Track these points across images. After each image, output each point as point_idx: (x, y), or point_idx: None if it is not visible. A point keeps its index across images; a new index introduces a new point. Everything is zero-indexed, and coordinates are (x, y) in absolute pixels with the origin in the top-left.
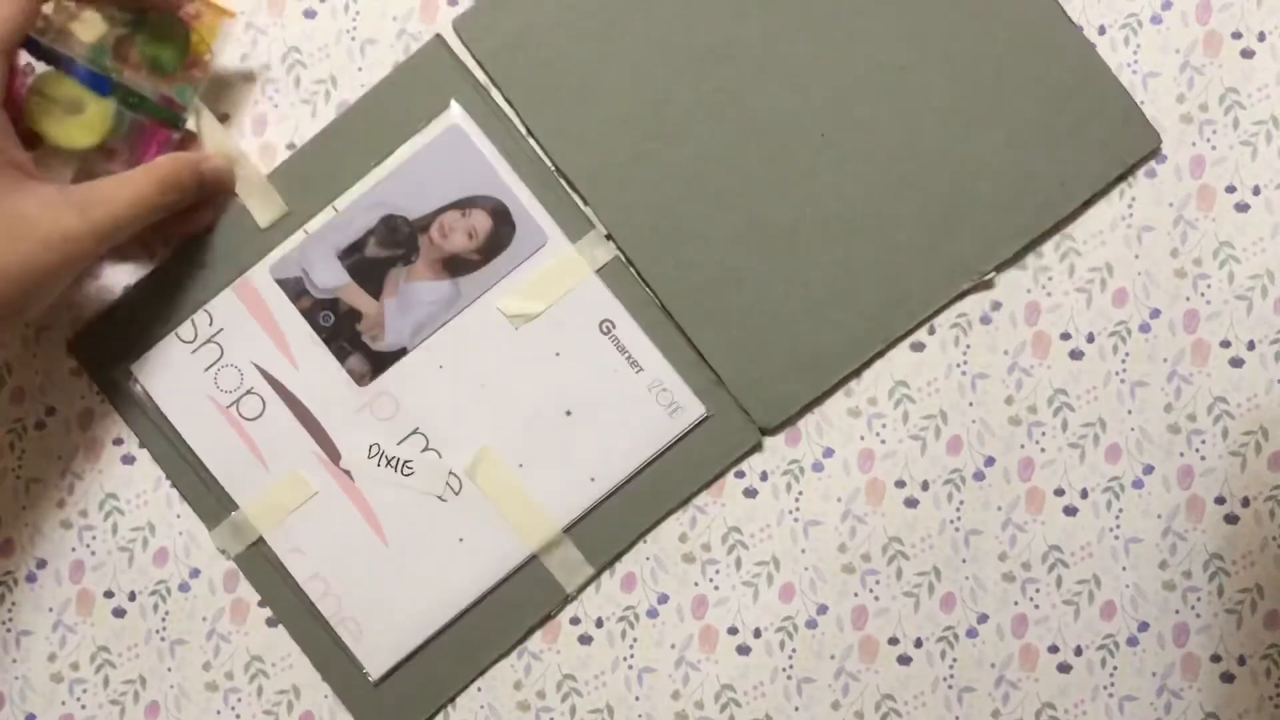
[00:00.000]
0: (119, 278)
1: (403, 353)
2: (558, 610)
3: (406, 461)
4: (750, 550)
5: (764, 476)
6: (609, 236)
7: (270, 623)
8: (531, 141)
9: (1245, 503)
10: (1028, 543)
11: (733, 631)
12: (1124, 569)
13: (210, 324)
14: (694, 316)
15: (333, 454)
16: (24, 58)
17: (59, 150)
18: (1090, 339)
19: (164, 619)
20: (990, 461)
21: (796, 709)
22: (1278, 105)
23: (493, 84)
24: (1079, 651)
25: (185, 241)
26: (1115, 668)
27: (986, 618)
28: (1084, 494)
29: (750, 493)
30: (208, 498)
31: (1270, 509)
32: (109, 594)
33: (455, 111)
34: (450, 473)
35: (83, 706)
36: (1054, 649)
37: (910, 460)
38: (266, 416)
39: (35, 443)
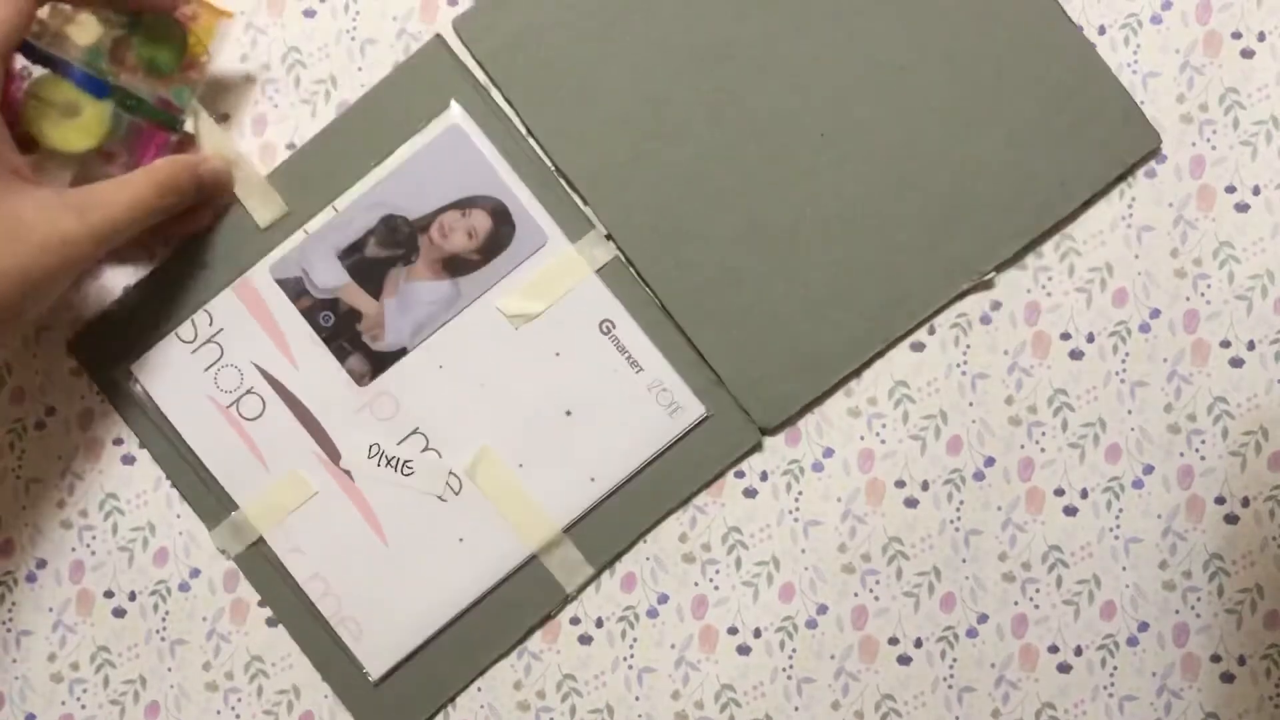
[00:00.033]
0: (119, 278)
1: (403, 353)
2: (558, 610)
3: (406, 461)
4: (750, 550)
5: (764, 476)
6: (609, 236)
7: (270, 623)
8: (531, 141)
9: (1245, 503)
10: (1028, 543)
11: (733, 631)
12: (1124, 569)
13: (210, 324)
14: (694, 316)
15: (333, 454)
16: (20, 61)
17: (56, 154)
18: (1090, 339)
19: (164, 619)
20: (990, 461)
21: (796, 709)
22: (1278, 105)
23: (493, 84)
24: (1079, 651)
25: (185, 242)
26: (1115, 668)
27: (986, 618)
28: (1084, 494)
29: (750, 493)
30: (208, 498)
31: (1270, 509)
32: (109, 594)
33: (455, 111)
34: (450, 473)
35: (83, 706)
36: (1054, 649)
37: (910, 460)
38: (266, 416)
39: (35, 443)
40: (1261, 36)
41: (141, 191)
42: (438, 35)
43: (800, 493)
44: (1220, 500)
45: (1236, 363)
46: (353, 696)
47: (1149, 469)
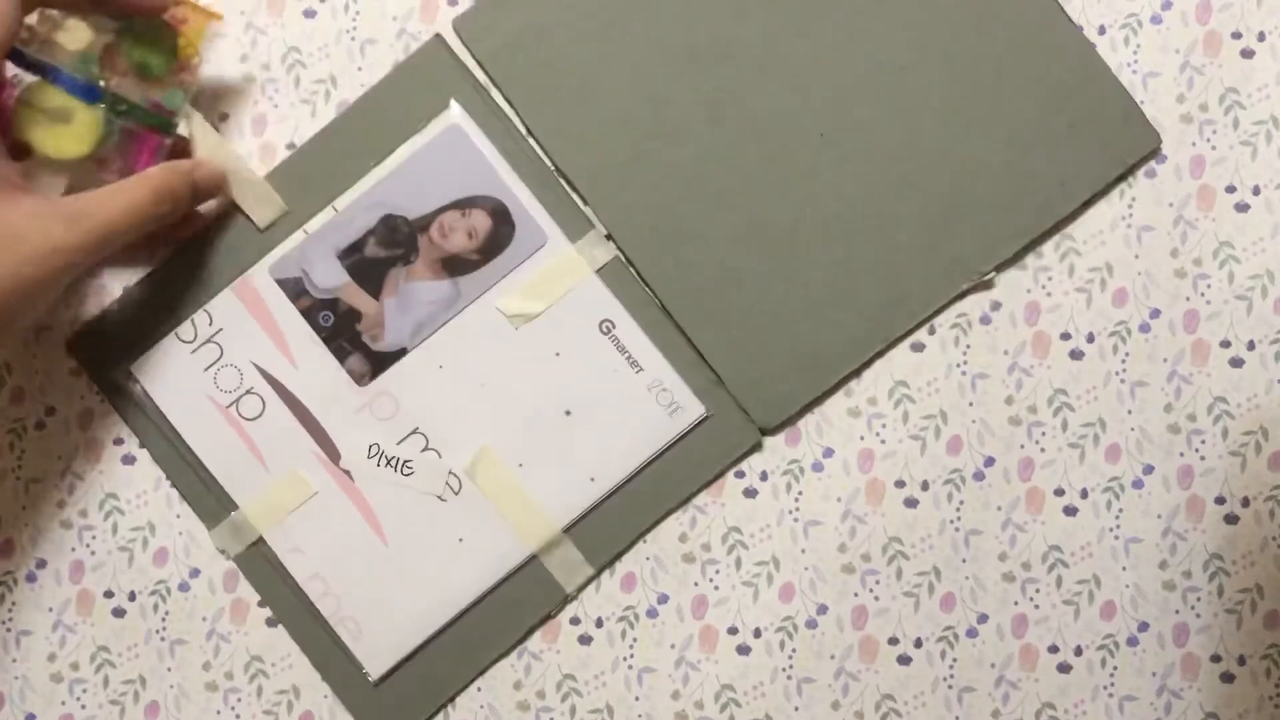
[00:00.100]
0: (119, 278)
1: (402, 353)
2: (557, 610)
3: (406, 461)
4: (750, 550)
5: (764, 476)
6: (609, 236)
7: (270, 623)
8: (531, 141)
9: (1245, 503)
10: (1028, 543)
11: (733, 631)
12: (1124, 569)
13: (210, 324)
14: (694, 316)
15: (332, 454)
16: (10, 69)
17: (49, 161)
18: (1090, 339)
19: (164, 619)
20: (990, 461)
21: (796, 709)
22: (1278, 105)
23: (493, 84)
24: (1079, 651)
25: (185, 242)
26: (1115, 668)
27: (986, 618)
28: (1084, 494)
29: (750, 493)
30: (207, 498)
31: (1270, 509)
32: (109, 594)
33: (455, 111)
34: (450, 472)
35: (83, 706)
36: (1054, 649)
37: (910, 460)
38: (266, 416)
39: (35, 443)
40: (1261, 36)
41: (136, 199)
42: (437, 35)
43: (800, 493)
44: (1220, 500)
45: (1236, 363)
46: (352, 696)
47: (1149, 469)
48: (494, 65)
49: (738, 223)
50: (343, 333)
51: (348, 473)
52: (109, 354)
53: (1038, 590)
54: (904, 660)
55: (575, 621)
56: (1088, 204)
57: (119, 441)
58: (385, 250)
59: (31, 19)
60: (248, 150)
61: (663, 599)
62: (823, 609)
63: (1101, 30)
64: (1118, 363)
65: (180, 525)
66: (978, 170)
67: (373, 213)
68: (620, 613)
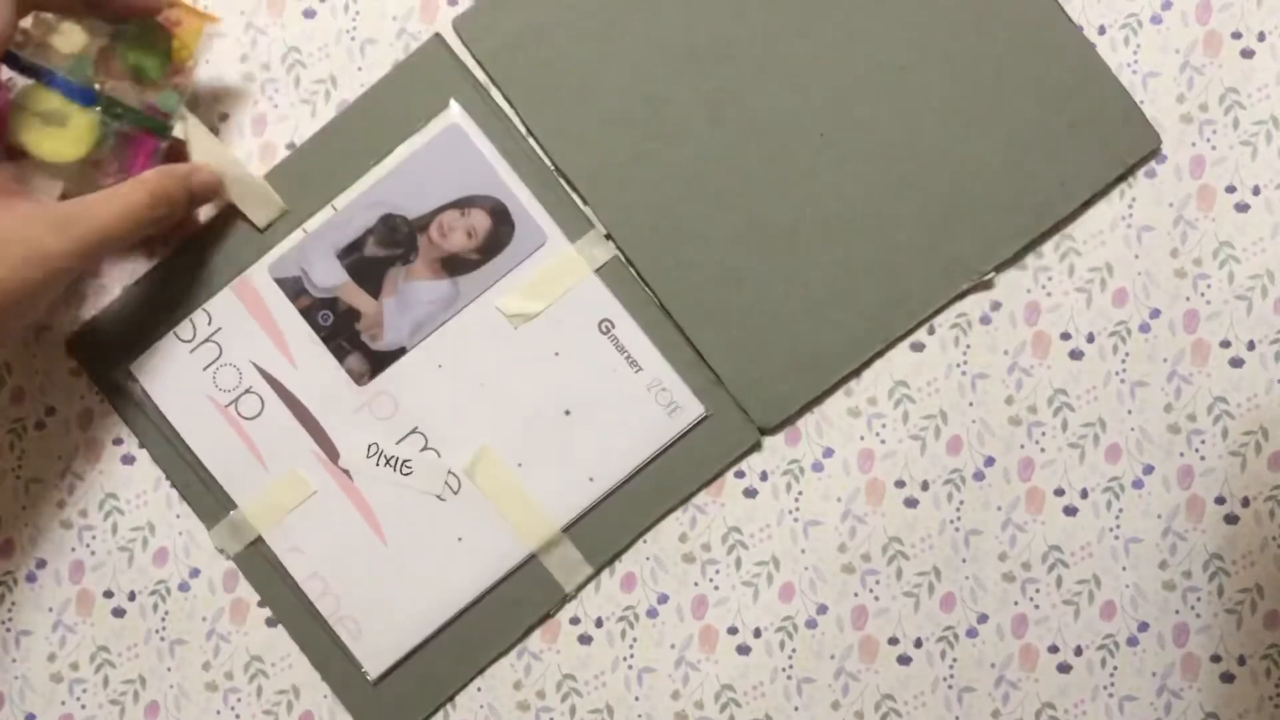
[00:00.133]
0: (118, 277)
1: (401, 352)
2: (556, 609)
3: (405, 461)
4: (750, 550)
5: (764, 476)
6: (608, 236)
7: (270, 623)
8: (531, 141)
9: (1245, 503)
10: (1028, 543)
11: (733, 631)
12: (1124, 569)
13: (209, 323)
14: (693, 316)
15: (331, 453)
16: (5, 72)
17: (45, 164)
18: (1090, 339)
19: (164, 619)
20: (990, 461)
21: (796, 709)
22: (1278, 105)
23: (492, 83)
24: (1079, 651)
25: (184, 241)
26: (1115, 668)
27: (986, 618)
28: (1084, 494)
29: (750, 493)
30: (206, 497)
31: (1270, 509)
32: (109, 594)
33: (454, 111)
34: (449, 472)
35: (83, 706)
36: (1054, 649)
37: (910, 460)
38: (265, 416)
39: (35, 443)
40: (1261, 36)
41: (131, 204)
42: (437, 34)
43: (800, 493)
44: (1220, 500)
45: (1236, 363)
46: (351, 696)
47: (1149, 469)
48: (494, 65)
49: (737, 222)
50: (342, 332)
51: (347, 472)
52: (108, 353)
53: (1038, 590)
54: (904, 660)
55: (575, 621)
56: (1088, 204)
57: (119, 441)
58: (384, 250)
59: (26, 22)
60: (248, 150)
61: (663, 599)
62: (823, 609)
63: (1101, 30)
64: (1118, 363)
65: (180, 525)
66: (977, 170)
67: (372, 212)
68: (620, 613)
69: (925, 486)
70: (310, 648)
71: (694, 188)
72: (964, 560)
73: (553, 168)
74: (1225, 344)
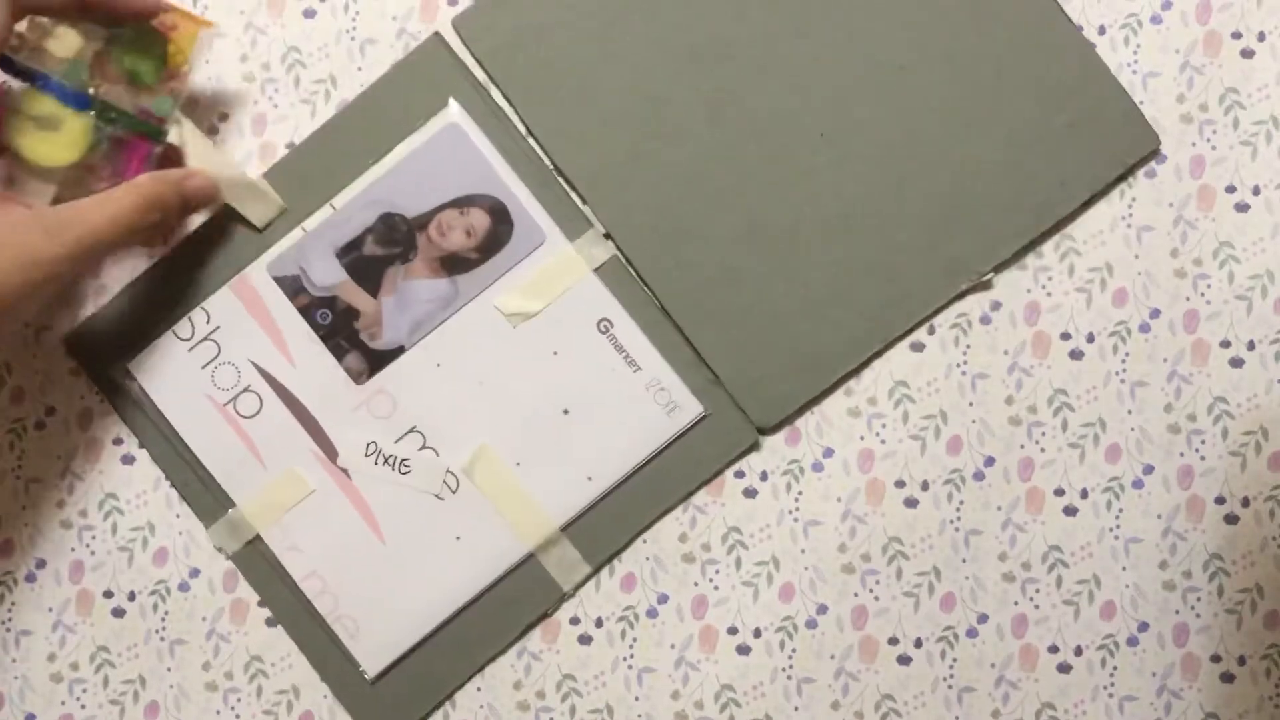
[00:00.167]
0: (117, 276)
1: (400, 351)
2: (555, 608)
3: (404, 460)
4: (750, 550)
5: (764, 476)
6: (607, 235)
7: (270, 623)
8: (530, 140)
9: (1245, 503)
10: (1028, 543)
11: (733, 631)
12: (1124, 569)
13: (207, 322)
14: (692, 316)
15: (330, 452)
16: None
17: (38, 168)
18: (1090, 339)
19: (164, 619)
20: (990, 461)
21: (796, 709)
22: (1278, 105)
23: (492, 82)
24: (1079, 651)
25: (183, 240)
26: (1115, 668)
27: (986, 618)
28: (1084, 494)
29: (750, 493)
30: (204, 495)
31: (1270, 509)
32: (109, 594)
33: (454, 109)
34: (448, 471)
35: (82, 706)
36: (1054, 649)
37: (910, 460)
38: (264, 414)
39: (35, 443)
40: (1261, 36)
41: (123, 208)
42: (436, 33)
43: (800, 493)
44: (1220, 500)
45: (1236, 363)
46: (349, 694)
47: (1149, 469)
48: (493, 64)
49: (736, 222)
50: (340, 331)
51: (345, 471)
52: (106, 352)
53: (1038, 590)
54: (904, 660)
55: (575, 621)
56: (1088, 204)
57: (118, 441)
58: (383, 248)
59: (21, 26)
60: (248, 150)
61: (663, 599)
62: (823, 609)
63: (1101, 30)
64: (1118, 363)
65: (180, 525)
66: (976, 170)
67: (371, 211)
68: (620, 613)
69: (925, 486)
70: (308, 647)
71: (693, 187)
72: (964, 560)
73: (552, 167)
74: (1225, 344)
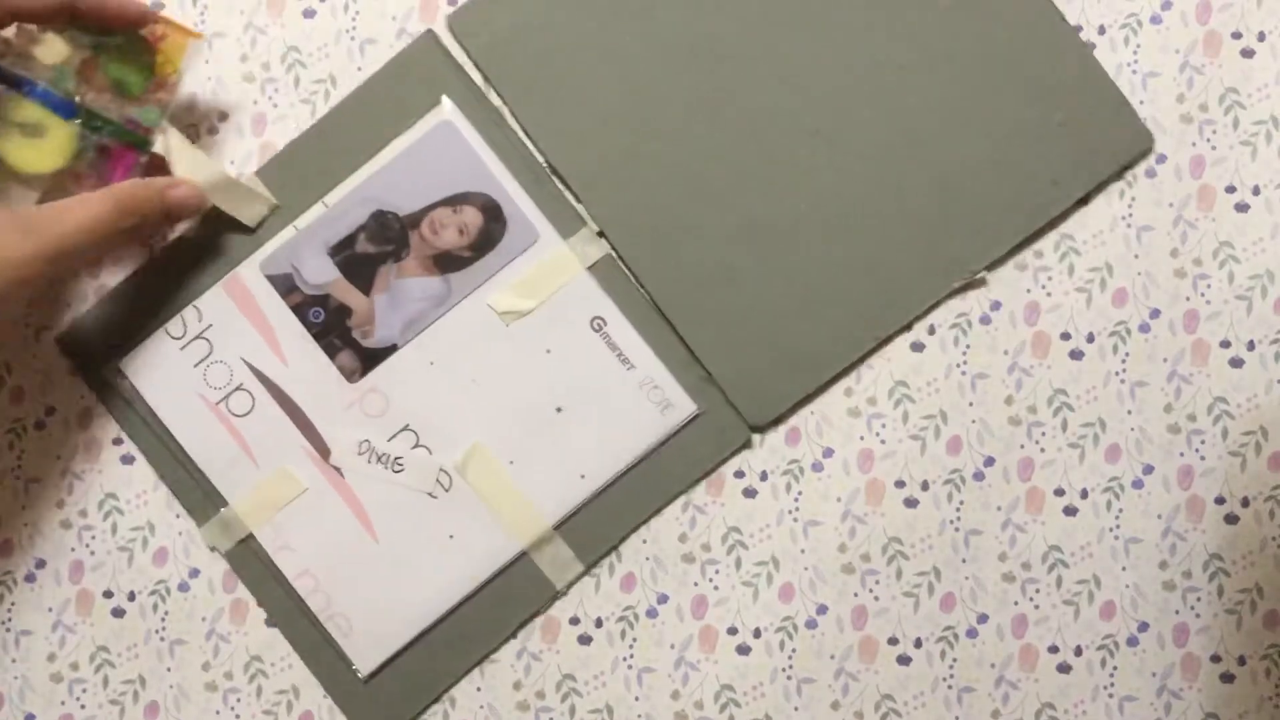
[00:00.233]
0: (109, 273)
1: (393, 349)
2: (547, 607)
3: (397, 458)
4: (750, 550)
5: (764, 476)
6: (601, 233)
7: (269, 623)
8: (524, 138)
9: (1245, 503)
10: (1028, 543)
11: (732, 631)
12: (1124, 569)
13: (199, 320)
14: (685, 314)
15: (322, 450)
16: None
17: (21, 175)
18: (1090, 339)
19: (163, 619)
20: (990, 461)
21: (796, 709)
22: (1278, 105)
23: (486, 80)
24: (1079, 651)
25: (175, 238)
26: (1115, 668)
27: (986, 618)
28: (1084, 494)
29: (750, 493)
30: (197, 494)
31: (1270, 509)
32: (108, 594)
33: (447, 107)
34: (440, 469)
35: (82, 706)
36: (1054, 649)
37: (910, 460)
38: (256, 413)
39: (35, 443)
40: (1261, 36)
41: (99, 212)
42: (429, 31)
43: (800, 493)
44: (1220, 500)
45: (1236, 363)
46: (342, 693)
47: (1149, 469)
48: (487, 61)
49: (730, 220)
50: (333, 329)
51: (338, 469)
52: (98, 350)
53: (1038, 590)
54: (904, 660)
55: (575, 622)
56: (1087, 204)
57: (118, 441)
58: (376, 246)
59: (8, 32)
60: (247, 150)
61: (662, 599)
62: (822, 609)
63: (1101, 30)
64: (1118, 363)
65: (179, 525)
66: (971, 169)
67: (364, 208)
68: (620, 613)
69: (925, 486)
70: (301, 645)
71: (687, 185)
72: (964, 560)
73: (545, 165)
74: (1225, 344)
